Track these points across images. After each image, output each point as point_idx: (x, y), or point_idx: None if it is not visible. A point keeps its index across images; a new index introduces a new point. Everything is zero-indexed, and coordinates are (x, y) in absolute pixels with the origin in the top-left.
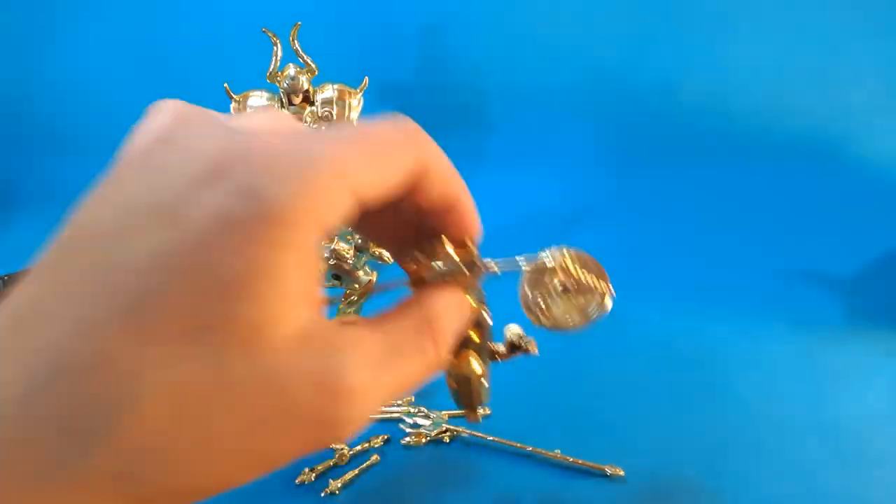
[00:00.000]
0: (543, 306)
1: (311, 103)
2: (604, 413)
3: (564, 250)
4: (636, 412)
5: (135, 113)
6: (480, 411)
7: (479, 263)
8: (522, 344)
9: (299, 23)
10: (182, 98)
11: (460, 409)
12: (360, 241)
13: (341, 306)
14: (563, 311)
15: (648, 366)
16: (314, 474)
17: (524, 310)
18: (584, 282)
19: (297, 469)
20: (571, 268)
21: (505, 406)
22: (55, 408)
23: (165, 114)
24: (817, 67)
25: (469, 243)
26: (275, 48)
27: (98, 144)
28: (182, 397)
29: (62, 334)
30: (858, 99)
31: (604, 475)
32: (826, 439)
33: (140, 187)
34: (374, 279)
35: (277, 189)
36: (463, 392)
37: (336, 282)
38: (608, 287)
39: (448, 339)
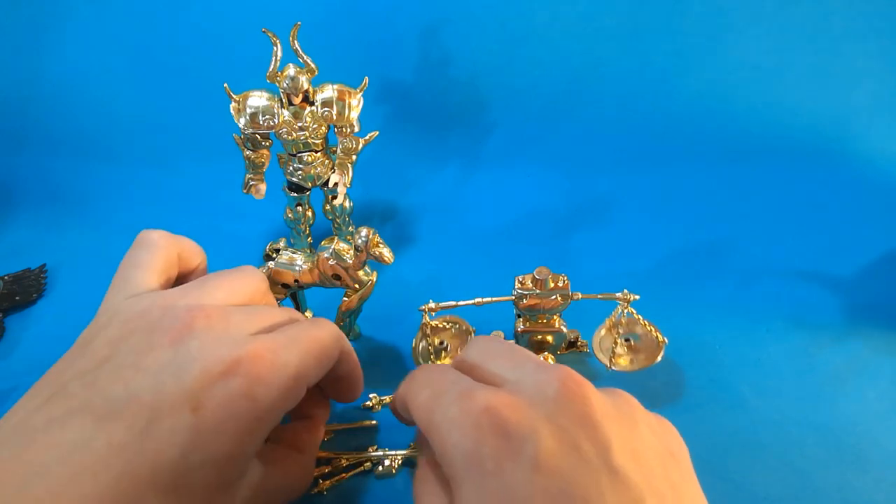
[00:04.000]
0: (612, 355)
1: (311, 103)
2: None
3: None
4: None
5: (134, 113)
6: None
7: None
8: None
9: (299, 23)
10: (182, 98)
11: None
12: (360, 241)
13: (341, 307)
14: (628, 361)
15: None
16: None
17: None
18: (650, 336)
19: None
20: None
21: None
22: None
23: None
24: (817, 67)
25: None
26: (275, 48)
27: (97, 144)
28: None
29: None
30: (858, 99)
31: None
32: (826, 439)
33: (168, 374)
34: (374, 279)
35: (267, 397)
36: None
37: (336, 282)
38: (663, 339)
39: None
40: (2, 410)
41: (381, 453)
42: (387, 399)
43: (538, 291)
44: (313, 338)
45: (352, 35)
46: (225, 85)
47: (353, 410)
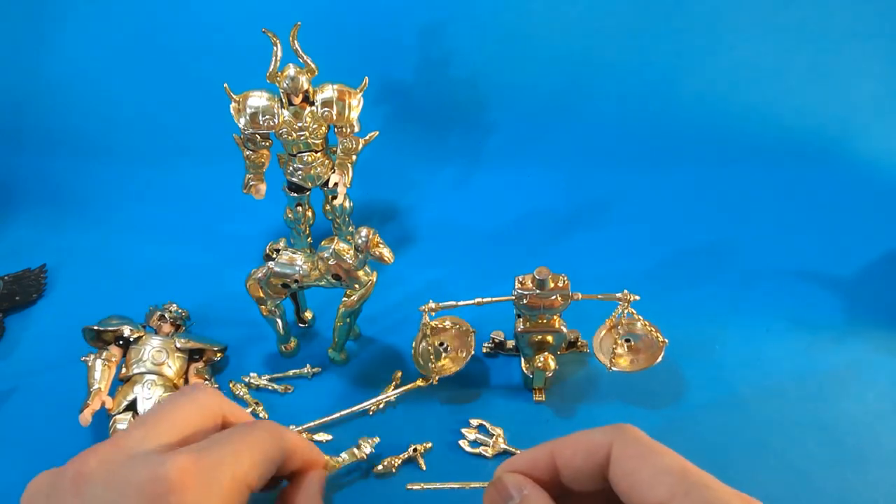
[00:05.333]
0: (613, 356)
1: (311, 103)
2: (602, 413)
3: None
4: (635, 412)
5: (134, 113)
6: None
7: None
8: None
9: (299, 23)
10: (182, 98)
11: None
12: (360, 241)
13: (341, 308)
14: (629, 362)
15: None
16: None
17: (596, 353)
18: (650, 337)
19: None
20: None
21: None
22: None
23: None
24: (817, 68)
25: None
26: (275, 48)
27: (97, 145)
28: None
29: None
30: (858, 99)
31: None
32: (826, 439)
33: None
34: (374, 279)
35: None
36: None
37: (336, 282)
38: (663, 340)
39: None
40: (2, 410)
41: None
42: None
43: (538, 291)
44: (252, 444)
45: (352, 35)
46: (225, 85)
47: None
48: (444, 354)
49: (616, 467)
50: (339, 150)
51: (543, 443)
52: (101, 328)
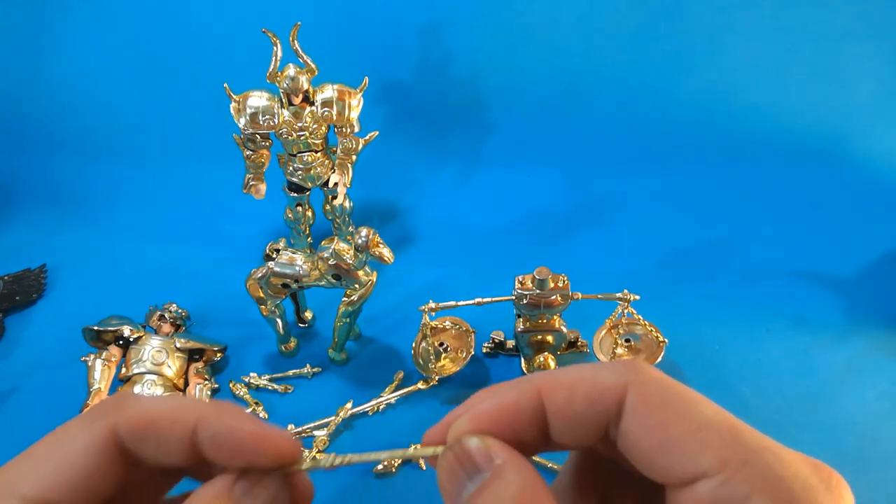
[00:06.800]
0: (613, 356)
1: (311, 103)
2: None
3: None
4: None
5: (134, 113)
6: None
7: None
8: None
9: (299, 23)
10: (182, 98)
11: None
12: (360, 241)
13: (341, 308)
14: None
15: None
16: None
17: (596, 352)
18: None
19: None
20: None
21: None
22: None
23: None
24: (817, 68)
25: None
26: (275, 48)
27: (97, 145)
28: None
29: None
30: (858, 99)
31: None
32: (826, 439)
33: None
34: (374, 279)
35: None
36: None
37: (336, 282)
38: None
39: None
40: (2, 410)
41: None
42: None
43: (538, 291)
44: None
45: (352, 35)
46: (225, 85)
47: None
48: (444, 354)
49: (632, 420)
50: (339, 150)
51: (523, 377)
52: (101, 328)
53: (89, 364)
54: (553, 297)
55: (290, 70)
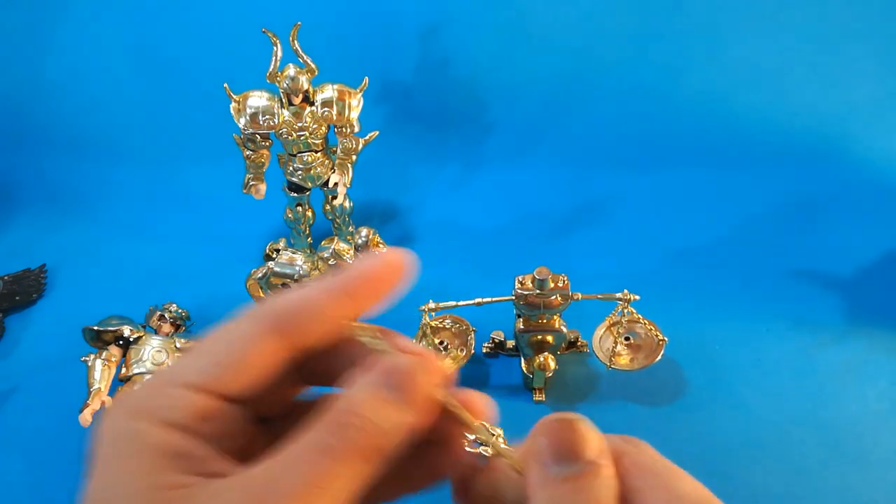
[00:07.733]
0: (612, 355)
1: (311, 103)
2: (602, 413)
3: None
4: (636, 412)
5: (134, 113)
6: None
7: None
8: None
9: (299, 23)
10: (182, 98)
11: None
12: (360, 241)
13: None
14: (628, 360)
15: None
16: None
17: (596, 352)
18: (650, 337)
19: None
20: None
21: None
22: None
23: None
24: (817, 68)
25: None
26: (275, 48)
27: (97, 144)
28: None
29: None
30: (858, 99)
31: None
32: (826, 439)
33: None
34: None
35: None
36: None
37: None
38: (663, 338)
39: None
40: (2, 410)
41: None
42: None
43: (538, 291)
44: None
45: (352, 35)
46: (225, 85)
47: None
48: (443, 354)
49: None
50: (339, 150)
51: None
52: (101, 328)
53: (89, 364)
54: (553, 297)
55: (290, 70)
